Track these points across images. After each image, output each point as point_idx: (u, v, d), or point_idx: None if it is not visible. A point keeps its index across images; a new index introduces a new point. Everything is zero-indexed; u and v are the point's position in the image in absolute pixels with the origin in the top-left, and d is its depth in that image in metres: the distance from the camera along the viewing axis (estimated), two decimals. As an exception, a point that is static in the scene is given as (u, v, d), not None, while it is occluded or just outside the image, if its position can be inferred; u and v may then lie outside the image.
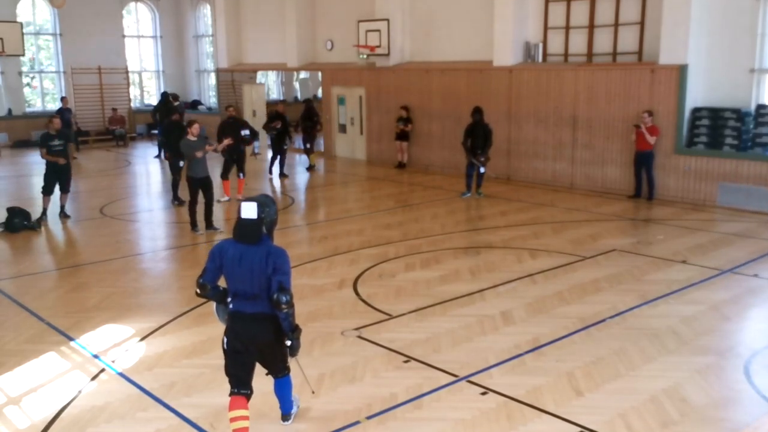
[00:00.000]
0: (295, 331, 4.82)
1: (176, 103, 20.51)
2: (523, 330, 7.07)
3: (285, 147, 16.69)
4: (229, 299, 4.90)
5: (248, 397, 4.89)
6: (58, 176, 12.12)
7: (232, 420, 4.80)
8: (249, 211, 4.72)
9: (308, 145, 18.05)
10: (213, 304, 5.13)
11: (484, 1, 16.26)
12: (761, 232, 11.06)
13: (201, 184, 11.14)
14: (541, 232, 11.31)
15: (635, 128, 13.42)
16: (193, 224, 11.33)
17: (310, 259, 9.81)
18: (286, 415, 5.29)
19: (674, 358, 6.36)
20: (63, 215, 12.37)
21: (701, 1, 12.87)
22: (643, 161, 13.47)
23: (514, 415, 5.35)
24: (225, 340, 4.87)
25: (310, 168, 18.03)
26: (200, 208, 11.22)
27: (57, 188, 12.27)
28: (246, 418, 4.79)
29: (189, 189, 11.19)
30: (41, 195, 12.24)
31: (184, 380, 5.99)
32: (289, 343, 4.87)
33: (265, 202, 4.81)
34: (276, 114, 16.70)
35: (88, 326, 7.29)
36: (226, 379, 4.97)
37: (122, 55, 25.81)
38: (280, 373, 5.06)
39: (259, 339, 4.81)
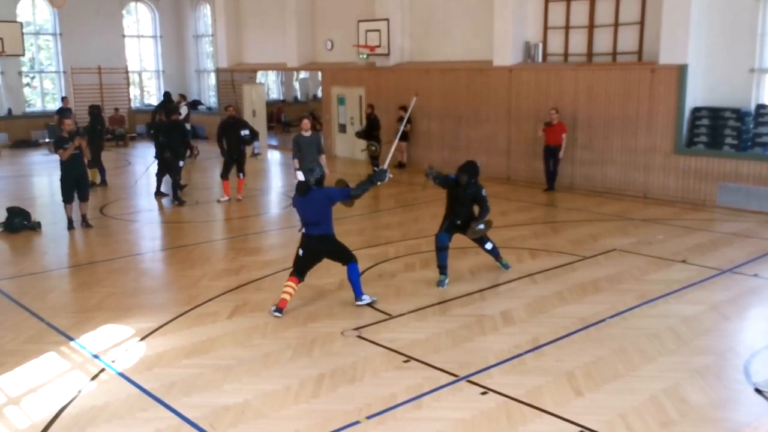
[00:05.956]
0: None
1: (183, 103, 20.49)
2: (522, 330, 7.07)
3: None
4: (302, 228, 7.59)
5: (300, 280, 7.62)
6: (76, 181, 11.49)
7: (285, 286, 7.55)
8: (300, 175, 7.46)
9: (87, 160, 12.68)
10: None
11: (484, 1, 16.26)
12: (761, 231, 11.06)
13: None
14: (541, 231, 11.32)
15: (545, 125, 14.30)
16: None
17: (310, 259, 9.80)
18: (356, 297, 7.73)
19: (674, 358, 6.36)
20: (85, 225, 11.69)
21: (701, 1, 12.88)
22: (552, 155, 14.39)
23: (513, 415, 5.35)
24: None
25: (92, 185, 14.17)
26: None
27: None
28: (294, 289, 7.57)
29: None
30: (62, 204, 11.61)
31: (184, 380, 5.99)
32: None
33: (312, 169, 7.35)
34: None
35: (88, 326, 7.29)
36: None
37: (122, 55, 25.83)
38: (347, 262, 7.62)
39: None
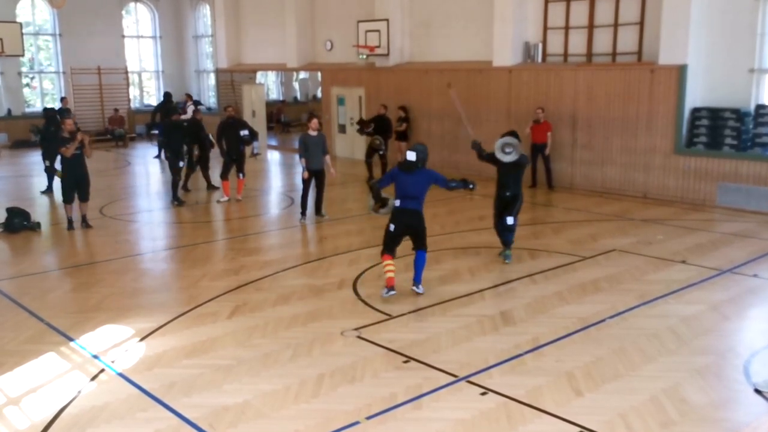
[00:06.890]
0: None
1: (189, 103, 20.46)
2: (522, 330, 7.07)
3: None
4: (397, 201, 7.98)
5: (393, 257, 8.02)
6: (76, 182, 11.41)
7: (386, 266, 7.99)
8: (410, 155, 7.86)
9: None
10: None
11: (484, 2, 16.27)
12: (761, 232, 11.06)
13: (315, 176, 11.93)
14: (541, 232, 11.32)
15: (533, 123, 14.72)
16: (303, 213, 12.16)
17: (310, 259, 9.81)
18: (415, 283, 8.11)
19: (674, 358, 6.36)
20: (85, 225, 11.67)
21: (701, 2, 12.88)
22: (540, 152, 14.79)
23: (513, 415, 5.35)
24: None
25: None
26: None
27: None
28: (394, 265, 8.01)
29: (304, 181, 11.97)
30: (63, 204, 11.56)
31: (183, 380, 5.99)
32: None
33: (421, 151, 7.94)
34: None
35: (88, 326, 7.29)
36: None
37: (122, 55, 25.81)
38: (422, 247, 8.05)
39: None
